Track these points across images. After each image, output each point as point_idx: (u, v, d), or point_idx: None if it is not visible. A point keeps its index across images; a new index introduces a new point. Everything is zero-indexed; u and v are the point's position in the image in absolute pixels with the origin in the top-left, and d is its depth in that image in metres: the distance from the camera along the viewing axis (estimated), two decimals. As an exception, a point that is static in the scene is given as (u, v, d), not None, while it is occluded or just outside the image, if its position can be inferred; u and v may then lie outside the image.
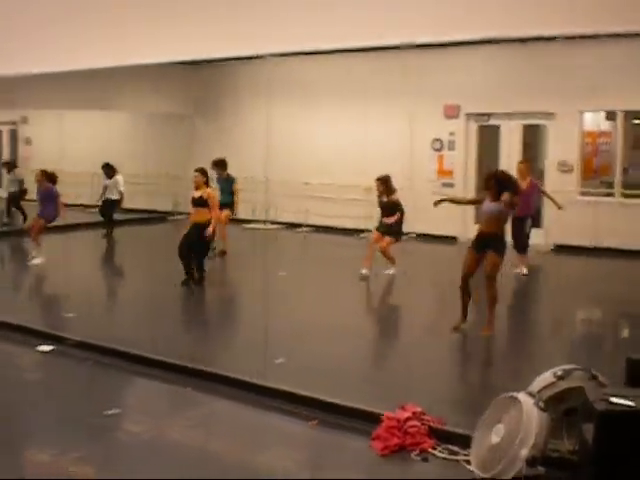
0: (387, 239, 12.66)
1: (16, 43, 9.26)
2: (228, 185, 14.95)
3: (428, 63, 16.33)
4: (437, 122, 17.17)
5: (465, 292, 9.47)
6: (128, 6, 8.15)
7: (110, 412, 6.91)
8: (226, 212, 14.54)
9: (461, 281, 9.44)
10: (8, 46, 9.35)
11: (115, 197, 17.37)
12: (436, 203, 10.06)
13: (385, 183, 12.82)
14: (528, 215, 13.09)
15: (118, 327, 10.13)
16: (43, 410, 7.19)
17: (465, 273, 9.43)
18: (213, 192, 12.43)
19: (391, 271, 12.69)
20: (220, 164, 15.12)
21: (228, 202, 14.73)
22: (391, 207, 12.75)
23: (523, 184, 12.25)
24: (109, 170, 17.54)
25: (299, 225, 18.51)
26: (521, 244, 13.24)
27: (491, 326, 9.25)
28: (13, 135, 25.54)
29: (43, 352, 8.85)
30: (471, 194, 17.33)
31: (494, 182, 9.38)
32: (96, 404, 7.15)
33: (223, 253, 14.75)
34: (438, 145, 17.35)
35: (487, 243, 9.30)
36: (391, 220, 12.65)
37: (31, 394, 7.70)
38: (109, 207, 17.44)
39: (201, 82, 20.73)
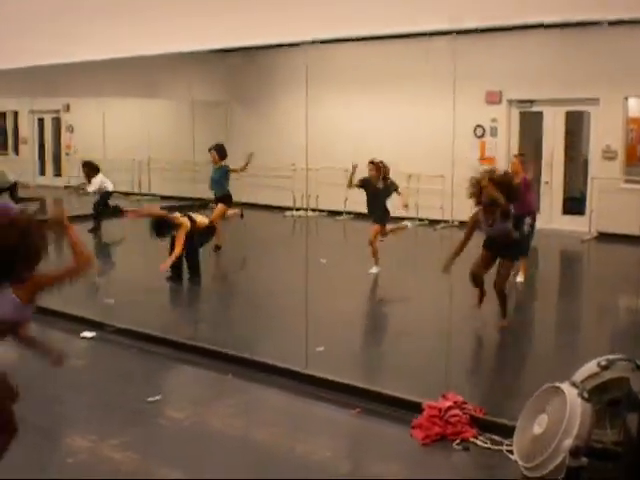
0: (376, 227, 12.20)
1: (58, 33, 9.34)
2: (220, 175, 14.11)
3: (470, 49, 16.16)
4: (479, 108, 17.02)
5: (478, 284, 9.21)
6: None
7: (152, 399, 6.96)
8: (219, 208, 13.93)
9: (472, 280, 9.16)
10: (51, 36, 9.43)
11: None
12: (446, 269, 9.04)
13: (380, 169, 12.30)
14: (524, 214, 11.22)
15: (159, 314, 10.20)
16: (86, 396, 7.27)
17: (475, 273, 9.11)
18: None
19: (374, 270, 12.15)
20: (220, 150, 14.32)
21: (222, 195, 14.04)
22: (388, 191, 12.25)
23: (516, 180, 11.59)
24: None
25: (339, 212, 18.48)
26: (519, 249, 11.43)
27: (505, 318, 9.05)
28: (56, 123, 25.77)
29: (86, 338, 8.95)
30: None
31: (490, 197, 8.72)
32: (138, 390, 7.21)
33: (217, 248, 14.04)
34: (480, 132, 17.21)
35: (503, 247, 8.96)
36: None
37: (74, 380, 7.78)
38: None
39: (238, 69, 20.73)
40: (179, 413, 6.80)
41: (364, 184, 12.23)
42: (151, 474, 5.63)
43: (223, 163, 14.16)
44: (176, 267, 11.48)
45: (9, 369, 7.30)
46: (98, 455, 5.88)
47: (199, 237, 11.66)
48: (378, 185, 12.19)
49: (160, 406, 6.91)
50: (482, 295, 9.33)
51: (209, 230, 12.10)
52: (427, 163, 15.88)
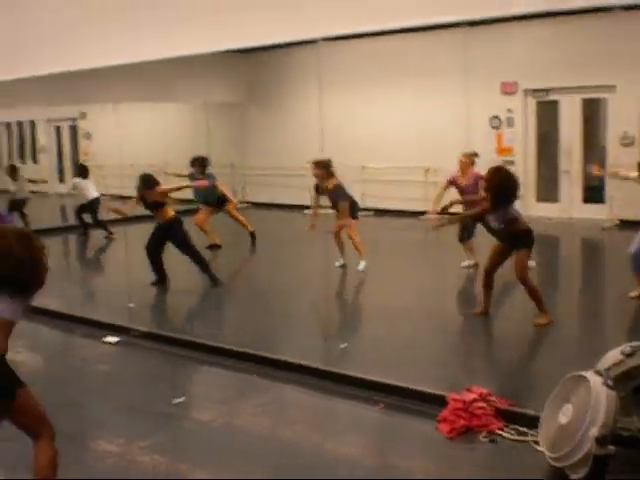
0: (340, 223, 12.13)
1: (73, 40, 9.39)
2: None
3: (484, 40, 16.17)
4: (495, 99, 16.97)
5: (488, 285, 9.08)
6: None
7: (177, 400, 6.99)
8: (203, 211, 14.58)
9: (484, 276, 9.09)
10: (66, 43, 9.49)
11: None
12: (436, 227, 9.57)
13: (325, 167, 11.96)
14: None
15: (180, 317, 10.25)
16: (111, 400, 7.30)
17: (488, 268, 9.02)
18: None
19: (361, 266, 12.02)
20: (200, 162, 14.63)
21: (211, 200, 14.51)
22: (336, 194, 12.03)
23: (462, 180, 11.54)
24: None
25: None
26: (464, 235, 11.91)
27: (545, 315, 8.79)
28: (73, 131, 25.93)
29: (110, 343, 8.99)
30: (531, 171, 17.14)
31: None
32: (163, 393, 7.24)
33: (213, 246, 14.44)
34: (496, 122, 17.15)
35: (516, 238, 8.81)
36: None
37: (99, 384, 7.83)
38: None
39: (253, 69, 20.78)
40: (205, 414, 6.83)
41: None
42: (180, 476, 5.65)
43: (209, 173, 14.57)
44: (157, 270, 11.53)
45: (34, 374, 7.36)
46: (126, 459, 5.91)
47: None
48: (323, 185, 12.13)
49: (186, 408, 6.94)
50: (487, 301, 9.16)
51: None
52: (444, 156, 15.84)
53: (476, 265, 11.43)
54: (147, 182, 11.36)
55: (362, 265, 11.90)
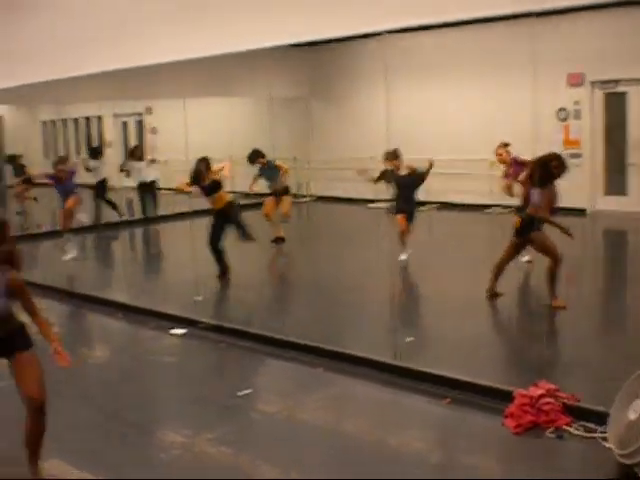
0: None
1: (139, 37, 9.50)
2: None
3: (550, 31, 15.93)
4: (561, 91, 16.73)
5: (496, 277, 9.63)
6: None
7: (243, 393, 7.04)
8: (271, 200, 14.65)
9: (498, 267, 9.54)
10: (133, 40, 9.60)
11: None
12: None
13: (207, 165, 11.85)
14: None
15: (246, 309, 10.31)
16: (178, 392, 7.40)
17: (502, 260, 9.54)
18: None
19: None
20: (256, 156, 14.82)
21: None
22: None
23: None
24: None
25: (423, 203, 18.37)
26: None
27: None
28: (139, 126, 26.23)
29: (176, 335, 9.10)
30: (599, 164, 16.85)
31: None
32: (229, 385, 7.31)
33: (278, 240, 14.45)
34: (563, 115, 16.91)
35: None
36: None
37: (166, 376, 7.93)
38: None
39: (316, 63, 20.80)
40: (270, 407, 6.87)
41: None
42: (246, 468, 5.70)
43: (268, 160, 14.74)
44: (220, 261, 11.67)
45: (104, 366, 7.50)
46: (192, 450, 5.97)
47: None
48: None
49: (251, 400, 6.99)
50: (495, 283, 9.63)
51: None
52: (510, 149, 15.66)
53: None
54: (206, 164, 11.65)
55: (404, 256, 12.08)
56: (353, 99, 20.46)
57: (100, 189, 18.26)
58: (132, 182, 18.88)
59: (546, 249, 9.09)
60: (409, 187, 12.27)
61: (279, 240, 14.39)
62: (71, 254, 13.89)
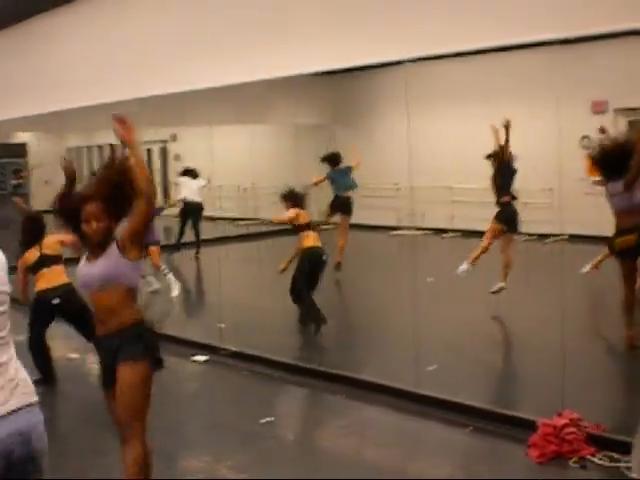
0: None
1: (166, 65, 9.59)
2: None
3: (573, 59, 15.92)
4: (584, 119, 16.70)
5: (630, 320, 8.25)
6: (264, 22, 8.29)
7: (264, 420, 7.03)
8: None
9: (626, 301, 8.19)
10: (158, 68, 9.69)
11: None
12: None
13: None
14: None
15: (268, 337, 10.31)
16: (199, 419, 7.40)
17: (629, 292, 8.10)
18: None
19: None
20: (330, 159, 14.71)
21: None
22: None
23: None
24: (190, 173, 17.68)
25: (445, 230, 18.37)
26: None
27: None
28: (163, 153, 26.44)
29: (198, 362, 9.10)
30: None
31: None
32: (251, 412, 7.29)
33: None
34: (587, 142, 16.86)
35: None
36: None
37: (188, 402, 7.93)
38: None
39: (340, 91, 20.91)
40: (292, 434, 6.86)
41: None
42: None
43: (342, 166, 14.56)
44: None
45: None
46: (212, 477, 5.96)
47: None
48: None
49: (273, 427, 6.97)
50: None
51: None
52: (534, 177, 15.64)
53: None
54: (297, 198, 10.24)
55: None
56: (376, 126, 20.54)
57: None
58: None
59: None
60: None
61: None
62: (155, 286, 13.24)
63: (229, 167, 22.29)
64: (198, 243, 17.04)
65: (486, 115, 18.25)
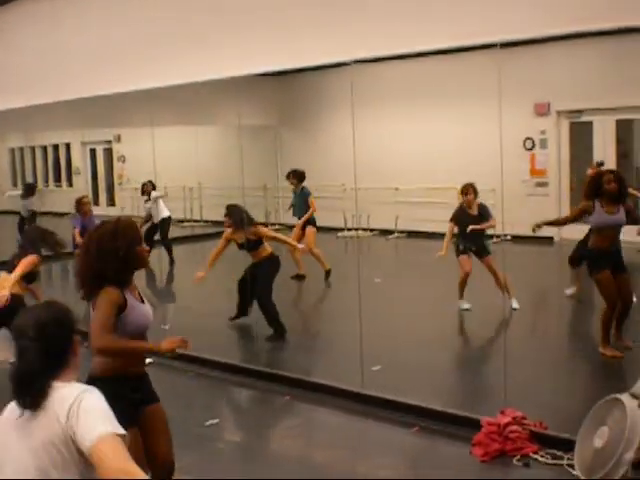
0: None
1: (108, 65, 9.50)
2: (302, 200, 14.25)
3: (516, 61, 16.12)
4: (527, 121, 16.91)
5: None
6: (211, 23, 8.26)
7: (210, 422, 7.00)
8: (311, 231, 14.16)
9: (610, 309, 8.24)
10: (101, 67, 9.60)
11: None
12: (535, 228, 9.10)
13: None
14: None
15: (213, 338, 10.25)
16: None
17: (613, 301, 8.22)
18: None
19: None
20: (297, 175, 14.41)
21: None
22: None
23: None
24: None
25: (391, 231, 18.46)
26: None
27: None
28: (107, 154, 26.17)
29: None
30: (565, 193, 17.01)
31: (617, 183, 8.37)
32: (196, 414, 7.25)
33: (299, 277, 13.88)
34: (529, 144, 17.09)
35: (619, 261, 8.37)
36: None
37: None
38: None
39: (285, 92, 20.91)
40: (237, 436, 6.84)
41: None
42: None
43: (303, 186, 14.32)
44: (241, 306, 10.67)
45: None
46: None
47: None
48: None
49: (218, 430, 6.95)
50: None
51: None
52: (477, 178, 15.79)
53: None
54: (249, 218, 10.22)
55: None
56: (322, 127, 20.57)
57: None
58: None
59: None
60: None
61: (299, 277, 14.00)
62: None
63: (174, 168, 22.16)
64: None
65: (431, 116, 18.46)
